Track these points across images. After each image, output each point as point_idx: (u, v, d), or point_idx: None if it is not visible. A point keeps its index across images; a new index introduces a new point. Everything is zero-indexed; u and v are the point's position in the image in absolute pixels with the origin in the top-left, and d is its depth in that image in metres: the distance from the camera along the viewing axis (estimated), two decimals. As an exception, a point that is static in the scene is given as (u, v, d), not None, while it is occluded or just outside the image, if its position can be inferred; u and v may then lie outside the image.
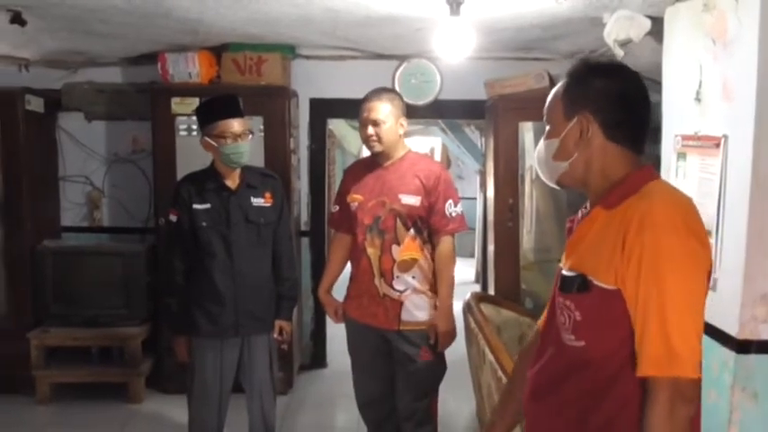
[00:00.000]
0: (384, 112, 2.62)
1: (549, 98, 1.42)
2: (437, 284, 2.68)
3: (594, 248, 1.29)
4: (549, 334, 1.42)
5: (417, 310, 2.66)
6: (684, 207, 1.27)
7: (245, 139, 2.66)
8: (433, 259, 2.71)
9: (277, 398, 2.93)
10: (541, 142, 1.42)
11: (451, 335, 2.68)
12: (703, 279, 1.26)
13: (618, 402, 1.26)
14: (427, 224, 2.67)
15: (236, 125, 2.64)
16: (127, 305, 3.96)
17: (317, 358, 4.58)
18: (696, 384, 1.21)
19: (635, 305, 1.22)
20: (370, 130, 2.63)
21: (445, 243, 2.68)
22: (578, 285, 1.29)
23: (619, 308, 1.24)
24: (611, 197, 1.31)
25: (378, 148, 2.66)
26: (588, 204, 1.41)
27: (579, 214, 1.44)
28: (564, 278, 1.34)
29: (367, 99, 2.67)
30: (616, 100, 1.33)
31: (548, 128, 1.41)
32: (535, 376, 1.44)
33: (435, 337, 2.64)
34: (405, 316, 2.65)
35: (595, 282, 1.27)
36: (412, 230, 2.65)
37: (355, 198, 2.72)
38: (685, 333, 1.19)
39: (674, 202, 1.27)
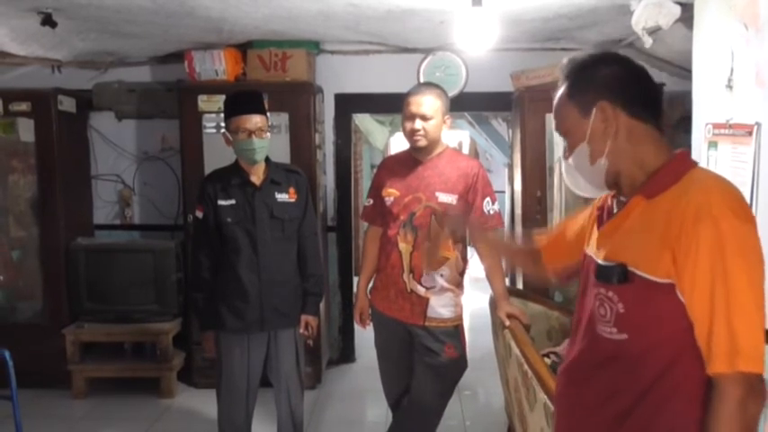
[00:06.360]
0: (434, 107, 2.57)
1: (554, 113, 1.37)
2: (490, 276, 2.72)
3: (635, 238, 1.24)
4: (580, 326, 1.37)
5: (442, 307, 2.65)
6: (738, 195, 1.21)
7: (260, 135, 2.65)
8: (463, 258, 2.71)
9: (305, 392, 2.96)
10: (569, 161, 1.35)
11: (520, 310, 2.74)
12: (764, 269, 1.19)
13: (660, 399, 1.21)
14: None
15: (250, 121, 2.63)
16: (158, 301, 4.03)
17: (346, 353, 4.60)
18: (763, 380, 1.16)
19: (697, 300, 1.16)
20: (418, 124, 2.57)
21: None
22: (618, 276, 1.24)
23: (670, 302, 1.18)
24: (651, 186, 1.26)
25: (422, 143, 2.60)
26: (617, 192, 1.36)
27: (609, 201, 1.39)
28: (601, 267, 1.29)
29: (415, 92, 2.61)
30: (626, 77, 1.30)
31: (567, 141, 1.35)
32: (567, 371, 1.40)
33: (504, 326, 2.67)
34: (430, 313, 2.65)
35: (639, 273, 1.22)
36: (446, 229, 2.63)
37: (390, 193, 2.69)
38: (751, 327, 1.14)
39: (728, 190, 1.21)
